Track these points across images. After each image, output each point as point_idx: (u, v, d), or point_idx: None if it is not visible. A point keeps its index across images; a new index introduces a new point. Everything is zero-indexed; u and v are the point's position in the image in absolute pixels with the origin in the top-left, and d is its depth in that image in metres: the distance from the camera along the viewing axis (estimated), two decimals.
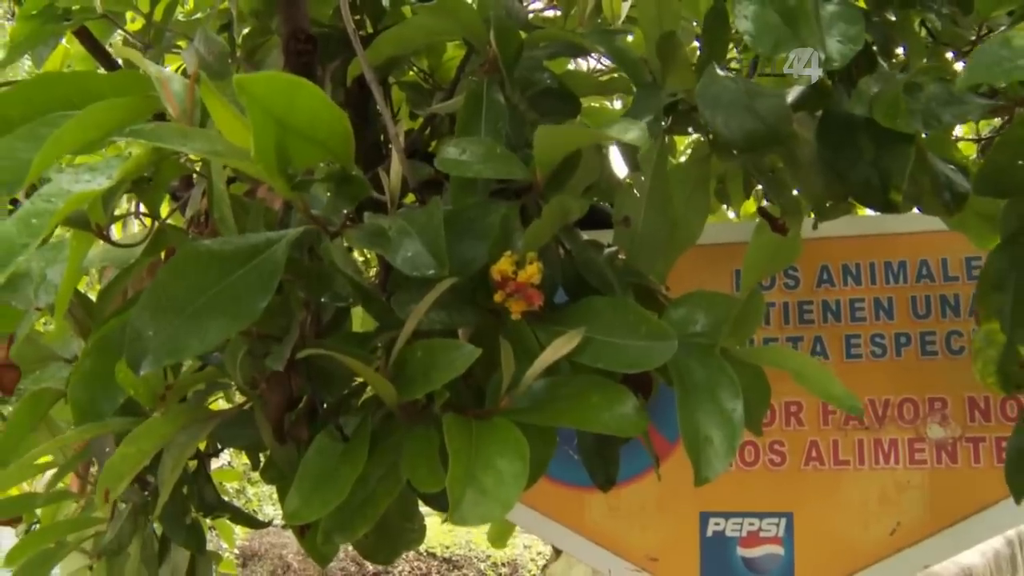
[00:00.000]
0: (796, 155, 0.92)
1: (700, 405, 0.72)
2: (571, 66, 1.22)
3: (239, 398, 0.99)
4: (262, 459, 1.02)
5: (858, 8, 0.83)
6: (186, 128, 0.69)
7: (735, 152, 0.82)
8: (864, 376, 1.25)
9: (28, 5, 1.47)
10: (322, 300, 0.76)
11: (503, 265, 0.74)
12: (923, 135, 0.92)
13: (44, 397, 0.87)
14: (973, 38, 1.25)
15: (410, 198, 0.98)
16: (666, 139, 0.91)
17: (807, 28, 0.78)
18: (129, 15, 1.66)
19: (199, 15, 1.75)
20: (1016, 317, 0.96)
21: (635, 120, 0.67)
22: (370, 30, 1.43)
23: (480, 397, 0.80)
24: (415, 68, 1.47)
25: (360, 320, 1.20)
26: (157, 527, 1.10)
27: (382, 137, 1.36)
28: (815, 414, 1.26)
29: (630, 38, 1.19)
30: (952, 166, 0.99)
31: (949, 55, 1.26)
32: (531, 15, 1.60)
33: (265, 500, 7.15)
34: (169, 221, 0.96)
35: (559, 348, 0.71)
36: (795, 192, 0.97)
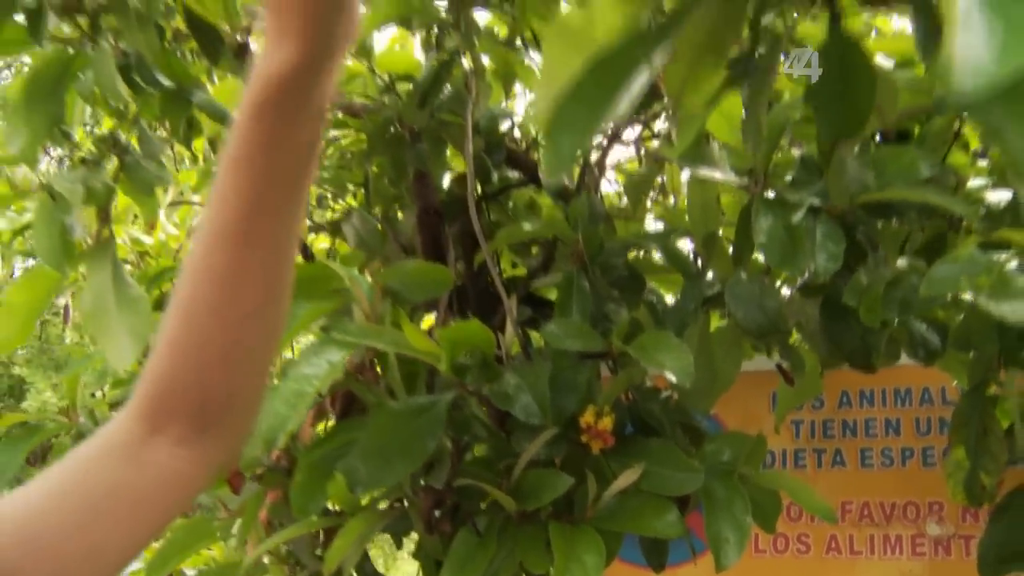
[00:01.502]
0: (805, 327, 1.24)
1: (721, 515, 1.05)
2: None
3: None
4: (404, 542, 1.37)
5: (841, 229, 1.16)
6: (379, 329, 1.05)
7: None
8: (875, 482, 1.56)
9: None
10: (464, 438, 1.11)
11: (587, 417, 1.08)
12: None
13: (260, 496, 1.24)
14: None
15: None
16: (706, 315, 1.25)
17: (802, 250, 1.11)
18: None
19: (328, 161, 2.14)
20: (978, 449, 1.27)
21: (687, 355, 1.01)
22: (478, 192, 1.80)
23: (569, 502, 1.14)
24: None
25: None
26: None
27: (488, 279, 1.72)
28: (835, 513, 1.56)
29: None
30: (927, 326, 1.31)
31: None
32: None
33: None
34: None
35: (628, 478, 1.05)
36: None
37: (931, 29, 0.31)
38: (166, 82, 1.38)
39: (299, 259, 1.84)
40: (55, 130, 1.41)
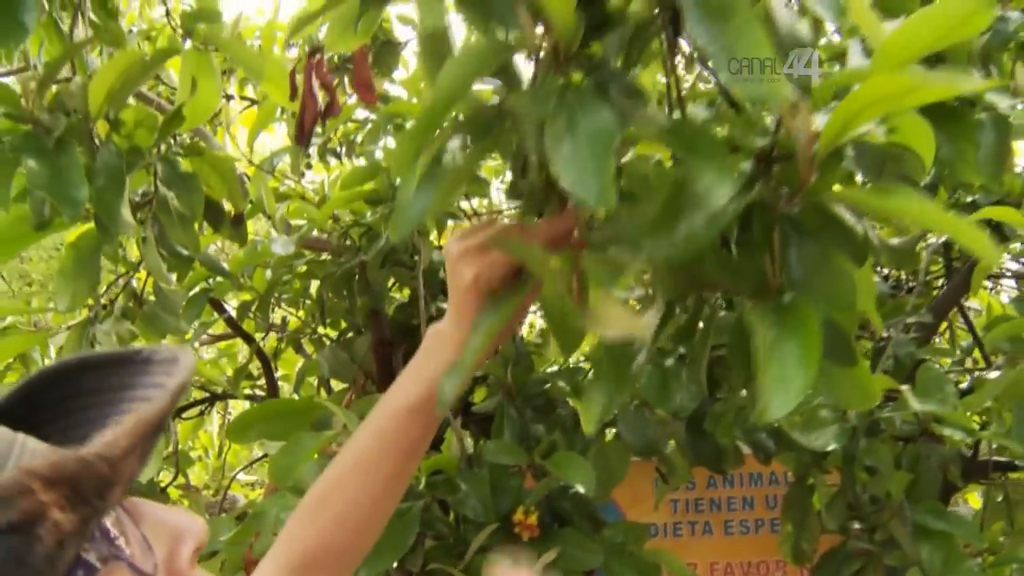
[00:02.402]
0: (676, 440, 1.69)
1: None
2: None
3: None
4: None
5: (702, 372, 1.61)
6: None
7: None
8: (736, 546, 2.02)
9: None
10: (429, 533, 1.52)
11: (519, 515, 1.50)
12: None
13: None
14: None
15: None
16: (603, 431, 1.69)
17: (672, 394, 1.56)
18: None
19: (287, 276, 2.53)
20: (801, 525, 1.73)
21: (590, 472, 1.44)
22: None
23: None
24: None
25: None
26: None
27: None
28: (706, 572, 2.01)
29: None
30: (765, 434, 1.77)
31: None
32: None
33: None
34: None
35: (548, 558, 1.47)
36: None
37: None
38: (183, 251, 1.77)
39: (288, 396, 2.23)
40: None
